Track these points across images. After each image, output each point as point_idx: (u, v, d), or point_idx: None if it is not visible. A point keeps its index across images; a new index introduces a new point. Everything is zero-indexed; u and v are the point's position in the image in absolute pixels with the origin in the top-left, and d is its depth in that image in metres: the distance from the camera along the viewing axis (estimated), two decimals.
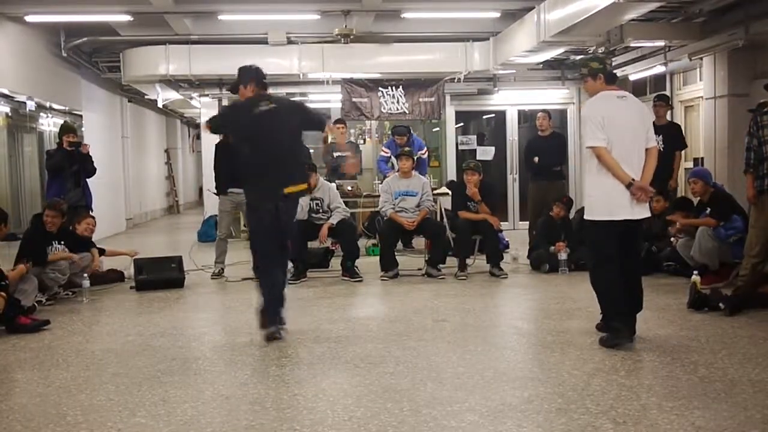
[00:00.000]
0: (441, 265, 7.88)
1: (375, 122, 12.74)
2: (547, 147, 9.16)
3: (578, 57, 11.37)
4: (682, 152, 8.84)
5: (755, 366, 4.26)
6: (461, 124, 13.71)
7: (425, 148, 10.33)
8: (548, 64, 12.27)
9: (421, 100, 11.78)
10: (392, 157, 10.01)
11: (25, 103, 9.64)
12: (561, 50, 10.05)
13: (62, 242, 7.11)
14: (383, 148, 10.22)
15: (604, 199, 4.77)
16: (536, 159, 9.14)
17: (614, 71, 5.02)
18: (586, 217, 4.92)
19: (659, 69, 10.71)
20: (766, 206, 6.12)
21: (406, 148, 8.80)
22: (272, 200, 5.09)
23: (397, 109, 11.70)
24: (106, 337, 5.54)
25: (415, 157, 9.53)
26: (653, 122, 8.50)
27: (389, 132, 11.58)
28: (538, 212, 8.91)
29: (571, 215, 8.62)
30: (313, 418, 3.58)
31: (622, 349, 4.67)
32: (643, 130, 4.86)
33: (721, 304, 5.58)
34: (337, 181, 9.03)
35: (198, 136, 18.11)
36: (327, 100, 12.88)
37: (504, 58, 10.35)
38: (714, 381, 4.00)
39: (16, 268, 6.14)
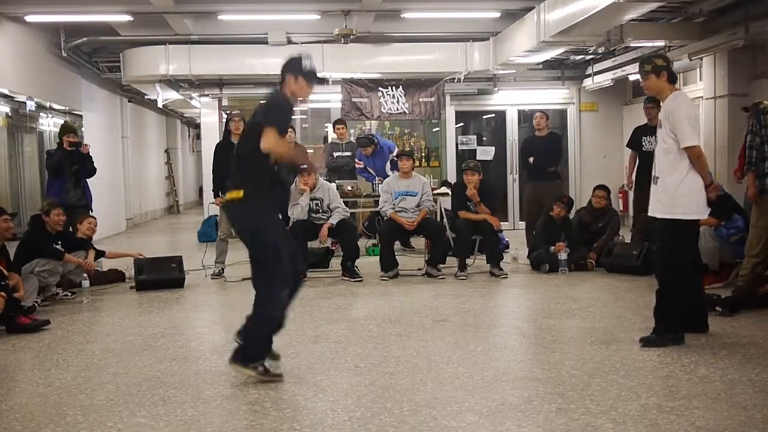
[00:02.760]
0: (441, 265, 7.87)
1: (375, 122, 12.73)
2: (544, 147, 9.15)
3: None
4: None
5: (755, 366, 4.26)
6: (461, 124, 13.70)
7: (396, 149, 10.33)
8: (548, 64, 12.28)
9: (421, 100, 11.78)
10: (366, 166, 10.00)
11: (25, 103, 9.64)
12: (561, 50, 10.06)
13: (59, 242, 7.09)
14: (356, 160, 10.16)
15: (697, 197, 4.75)
16: (531, 159, 9.13)
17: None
18: (678, 216, 4.73)
19: None
20: (767, 206, 6.13)
21: (407, 149, 8.80)
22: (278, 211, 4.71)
23: (397, 109, 11.70)
24: (106, 337, 5.54)
25: (389, 159, 9.55)
26: (646, 124, 8.57)
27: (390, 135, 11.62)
28: (534, 213, 8.91)
29: (571, 215, 8.63)
30: (313, 418, 3.58)
31: (623, 349, 4.68)
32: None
33: (718, 308, 5.58)
34: (336, 181, 9.03)
35: (198, 136, 18.08)
36: (327, 100, 12.89)
37: (504, 58, 10.35)
38: (714, 381, 4.00)
39: (11, 275, 6.05)
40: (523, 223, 11.82)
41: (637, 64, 10.45)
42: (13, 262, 6.50)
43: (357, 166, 10.10)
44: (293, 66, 4.37)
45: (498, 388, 3.97)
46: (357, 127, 13.00)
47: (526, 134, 12.93)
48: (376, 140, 10.21)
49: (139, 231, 14.79)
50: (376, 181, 9.34)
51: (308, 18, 10.28)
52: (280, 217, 4.65)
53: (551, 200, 8.38)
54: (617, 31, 8.90)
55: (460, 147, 13.25)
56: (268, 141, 3.99)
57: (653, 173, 4.90)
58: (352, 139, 11.69)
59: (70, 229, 7.65)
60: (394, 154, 9.92)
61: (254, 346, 4.17)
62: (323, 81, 4.70)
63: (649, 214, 5.01)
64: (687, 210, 4.74)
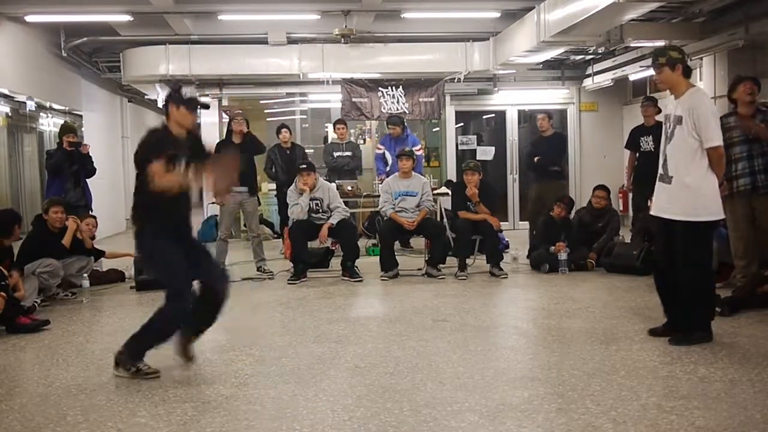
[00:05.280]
0: (441, 265, 7.87)
1: (375, 122, 12.73)
2: (547, 147, 9.17)
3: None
4: None
5: (755, 366, 4.26)
6: (461, 124, 13.70)
7: (419, 145, 10.31)
8: (548, 64, 12.28)
9: (421, 100, 11.77)
10: (386, 152, 9.98)
11: (25, 103, 9.64)
12: (561, 50, 10.06)
13: (61, 240, 7.09)
14: (378, 145, 10.19)
15: (718, 197, 4.71)
16: (536, 158, 9.15)
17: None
18: (704, 218, 4.66)
19: None
20: (737, 208, 6.13)
21: (407, 148, 8.78)
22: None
23: (397, 109, 11.69)
24: (106, 337, 5.53)
25: None
26: (643, 124, 8.56)
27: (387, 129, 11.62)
28: (538, 212, 8.91)
29: (571, 215, 8.62)
30: (313, 418, 3.58)
31: (623, 349, 4.68)
32: None
33: (717, 308, 5.57)
34: (336, 181, 9.03)
35: None
36: (327, 100, 12.88)
37: (504, 58, 10.35)
38: (714, 381, 3.99)
39: (12, 276, 6.04)
40: (523, 222, 11.87)
41: (639, 60, 10.58)
42: (16, 261, 6.50)
43: (377, 151, 10.12)
44: (174, 96, 4.46)
45: (498, 388, 3.97)
46: (357, 127, 13.00)
47: (526, 134, 12.96)
48: (405, 125, 10.19)
49: None
50: (386, 170, 9.31)
51: (308, 18, 10.28)
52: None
53: (553, 199, 8.39)
54: (617, 31, 8.90)
55: (460, 147, 13.25)
56: (157, 178, 4.34)
57: (666, 172, 4.75)
58: (352, 138, 11.71)
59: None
60: (417, 148, 9.84)
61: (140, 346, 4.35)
62: (205, 106, 4.81)
63: (661, 215, 4.83)
64: (711, 211, 4.69)
